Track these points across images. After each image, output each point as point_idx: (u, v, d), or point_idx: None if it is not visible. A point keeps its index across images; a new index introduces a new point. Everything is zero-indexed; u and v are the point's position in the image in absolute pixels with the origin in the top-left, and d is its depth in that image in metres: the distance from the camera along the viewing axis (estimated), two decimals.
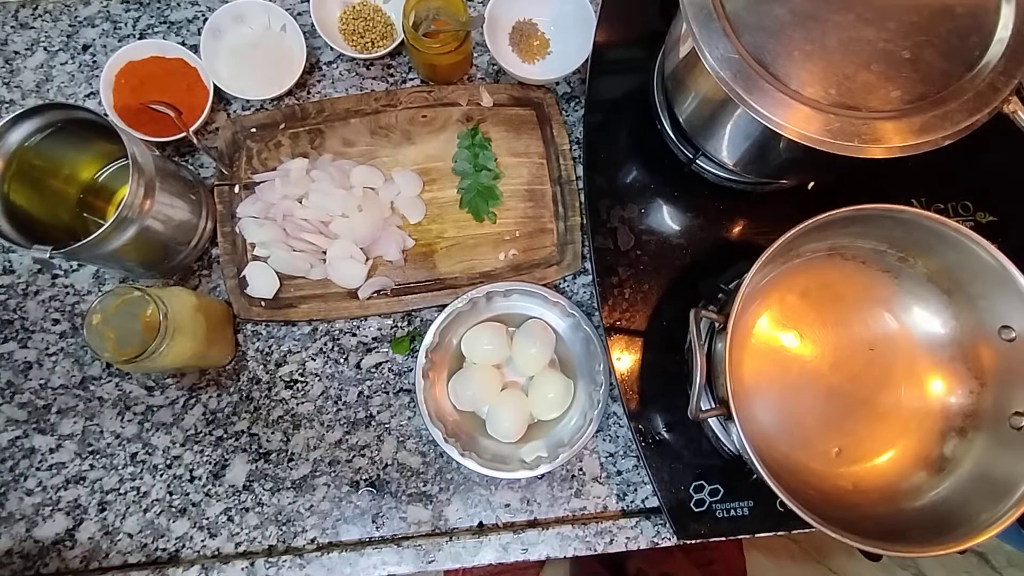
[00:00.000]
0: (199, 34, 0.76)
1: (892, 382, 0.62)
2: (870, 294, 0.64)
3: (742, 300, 0.53)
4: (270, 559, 0.69)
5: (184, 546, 0.70)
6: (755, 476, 0.51)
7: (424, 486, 0.72)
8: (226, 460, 0.72)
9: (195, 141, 0.72)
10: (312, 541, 0.71)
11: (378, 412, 0.73)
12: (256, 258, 0.74)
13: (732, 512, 0.66)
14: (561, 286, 0.77)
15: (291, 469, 0.72)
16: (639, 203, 0.72)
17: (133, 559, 0.70)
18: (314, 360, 0.74)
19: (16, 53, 0.80)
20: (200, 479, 0.72)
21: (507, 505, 0.72)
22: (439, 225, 0.76)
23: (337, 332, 0.75)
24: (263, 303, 0.73)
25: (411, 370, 0.74)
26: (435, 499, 0.72)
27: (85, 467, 0.72)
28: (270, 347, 0.74)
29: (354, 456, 0.72)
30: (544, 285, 0.72)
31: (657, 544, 0.70)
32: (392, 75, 0.81)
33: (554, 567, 1.08)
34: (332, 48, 0.77)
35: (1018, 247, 0.55)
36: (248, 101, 0.79)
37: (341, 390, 0.74)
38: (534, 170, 0.77)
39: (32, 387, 0.73)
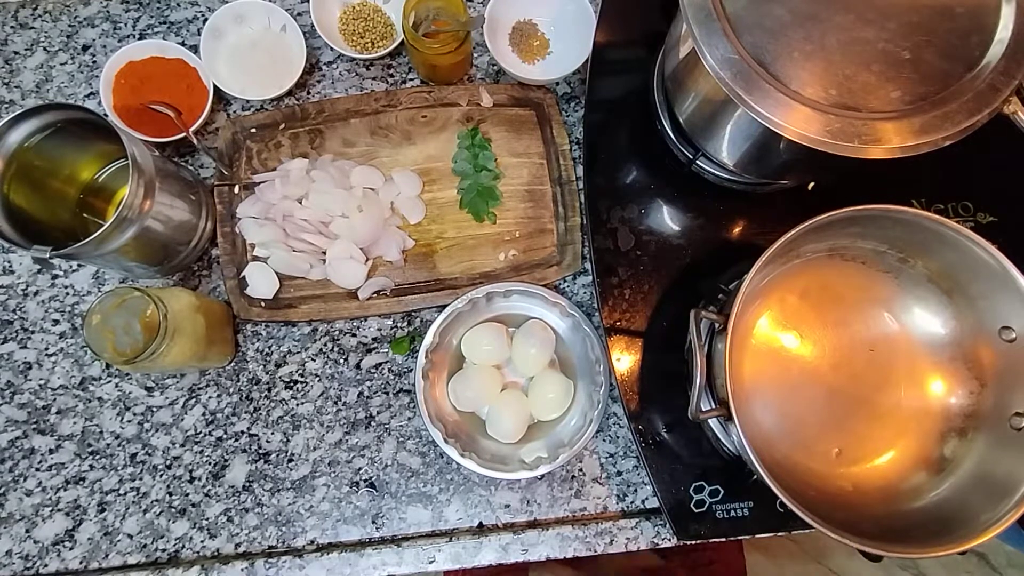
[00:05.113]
0: (199, 34, 0.76)
1: (892, 382, 0.62)
2: (870, 294, 0.64)
3: (742, 300, 0.53)
4: (270, 560, 0.69)
5: (184, 547, 0.70)
6: (755, 477, 0.51)
7: (424, 486, 0.72)
8: (226, 461, 0.72)
9: (195, 141, 0.72)
10: (312, 542, 0.71)
11: (378, 413, 0.73)
12: (256, 258, 0.74)
13: (732, 513, 0.66)
14: (561, 286, 0.77)
15: (291, 470, 0.72)
16: (639, 203, 0.72)
17: (133, 560, 0.70)
18: (314, 360, 0.74)
19: (16, 53, 0.80)
20: (200, 480, 0.72)
21: (507, 505, 0.72)
22: (439, 225, 0.76)
23: (337, 332, 0.75)
24: (263, 303, 0.73)
25: (411, 370, 0.74)
26: (435, 499, 0.72)
27: (85, 467, 0.72)
28: (270, 347, 0.74)
29: (354, 457, 0.72)
30: (544, 285, 0.72)
31: (657, 544, 0.70)
32: (392, 75, 0.81)
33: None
34: (332, 48, 0.77)
35: (1018, 247, 0.55)
36: (248, 101, 0.79)
37: (341, 391, 0.74)
38: (534, 170, 0.77)
39: (32, 387, 0.73)
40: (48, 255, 0.57)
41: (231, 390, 0.74)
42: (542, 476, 0.71)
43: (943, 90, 0.49)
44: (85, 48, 0.80)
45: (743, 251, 0.63)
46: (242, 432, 0.73)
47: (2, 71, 0.79)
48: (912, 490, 0.59)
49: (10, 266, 0.76)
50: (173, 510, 0.71)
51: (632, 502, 0.72)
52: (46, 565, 0.70)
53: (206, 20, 0.76)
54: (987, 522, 0.51)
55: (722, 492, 0.66)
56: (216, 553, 0.70)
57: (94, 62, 0.80)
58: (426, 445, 0.73)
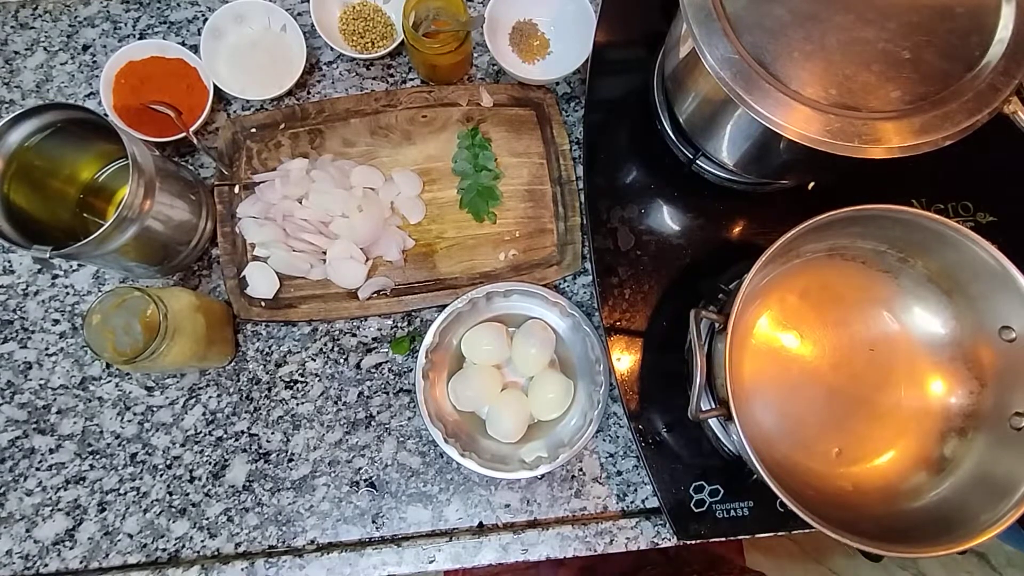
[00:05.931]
0: (199, 34, 0.76)
1: (892, 382, 0.62)
2: (870, 294, 0.64)
3: (742, 300, 0.53)
4: (270, 559, 0.69)
5: (184, 546, 0.70)
6: (755, 476, 0.51)
7: (424, 486, 0.72)
8: (226, 460, 0.72)
9: (195, 141, 0.72)
10: (312, 541, 0.71)
11: (378, 412, 0.73)
12: (256, 258, 0.74)
13: (732, 512, 0.66)
14: (561, 286, 0.77)
15: (291, 469, 0.72)
16: (639, 203, 0.72)
17: (133, 559, 0.70)
18: (314, 360, 0.74)
19: (16, 53, 0.80)
20: (200, 479, 0.72)
21: (507, 505, 0.72)
22: (439, 225, 0.76)
23: (337, 332, 0.75)
24: (263, 303, 0.73)
25: (411, 370, 0.74)
26: (435, 499, 0.72)
27: (85, 467, 0.72)
28: (270, 347, 0.74)
29: (354, 456, 0.72)
30: (544, 285, 0.72)
31: (657, 544, 0.70)
32: (392, 75, 0.81)
33: None
34: (332, 48, 0.77)
35: (1018, 247, 0.55)
36: (248, 101, 0.79)
37: (341, 390, 0.74)
38: (534, 170, 0.77)
39: (32, 387, 0.73)
40: (48, 255, 0.57)
41: (231, 390, 0.74)
42: (542, 476, 0.71)
43: (943, 90, 0.49)
44: (85, 48, 0.80)
45: (743, 251, 0.63)
46: (242, 432, 0.73)
47: (2, 71, 0.79)
48: (912, 490, 0.59)
49: (10, 266, 0.76)
50: (173, 510, 0.71)
51: (632, 502, 0.72)
52: (46, 565, 0.70)
53: (206, 20, 0.76)
54: (987, 522, 0.51)
55: (722, 492, 0.66)
56: (216, 553, 0.70)
57: (94, 62, 0.80)
58: (426, 445, 0.73)
